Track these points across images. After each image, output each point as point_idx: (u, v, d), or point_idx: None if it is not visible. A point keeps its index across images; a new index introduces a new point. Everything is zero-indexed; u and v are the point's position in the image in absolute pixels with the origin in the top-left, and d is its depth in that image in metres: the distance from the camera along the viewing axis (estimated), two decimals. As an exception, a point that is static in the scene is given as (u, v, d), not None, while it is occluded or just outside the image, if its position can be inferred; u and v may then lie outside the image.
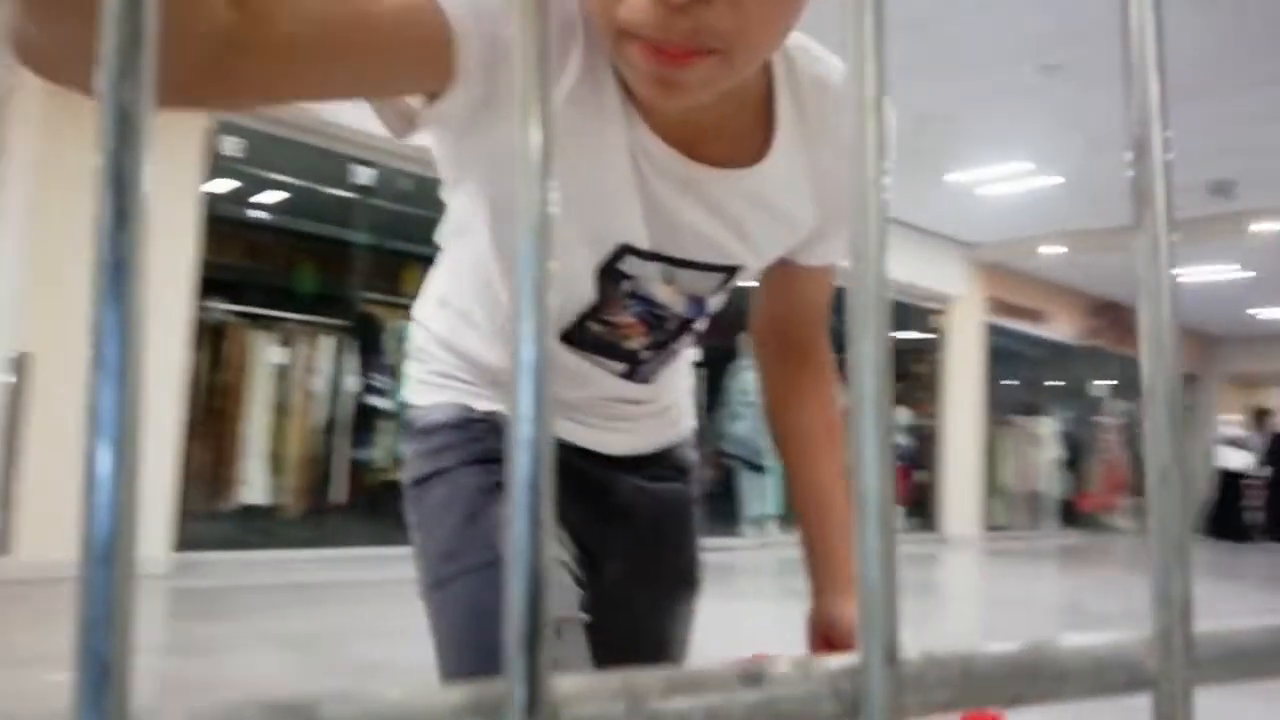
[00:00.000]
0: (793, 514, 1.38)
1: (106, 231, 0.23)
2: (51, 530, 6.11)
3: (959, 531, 13.53)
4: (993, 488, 14.44)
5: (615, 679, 0.27)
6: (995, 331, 14.42)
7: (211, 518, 7.94)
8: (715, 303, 1.29)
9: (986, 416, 14.38)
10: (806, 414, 1.38)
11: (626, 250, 1.16)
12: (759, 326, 1.43)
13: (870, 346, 0.27)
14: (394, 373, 8.31)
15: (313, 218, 10.61)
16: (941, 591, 9.67)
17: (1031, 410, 15.56)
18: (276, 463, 8.15)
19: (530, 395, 0.26)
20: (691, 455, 1.54)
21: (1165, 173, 0.30)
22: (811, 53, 1.13)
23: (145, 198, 0.23)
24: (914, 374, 13.79)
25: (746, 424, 10.71)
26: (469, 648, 1.16)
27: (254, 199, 10.53)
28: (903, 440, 12.96)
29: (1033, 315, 15.02)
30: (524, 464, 0.25)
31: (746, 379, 10.61)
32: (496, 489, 1.26)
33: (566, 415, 1.35)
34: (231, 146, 7.63)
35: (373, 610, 6.01)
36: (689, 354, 1.44)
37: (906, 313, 13.06)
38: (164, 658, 4.61)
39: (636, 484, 1.43)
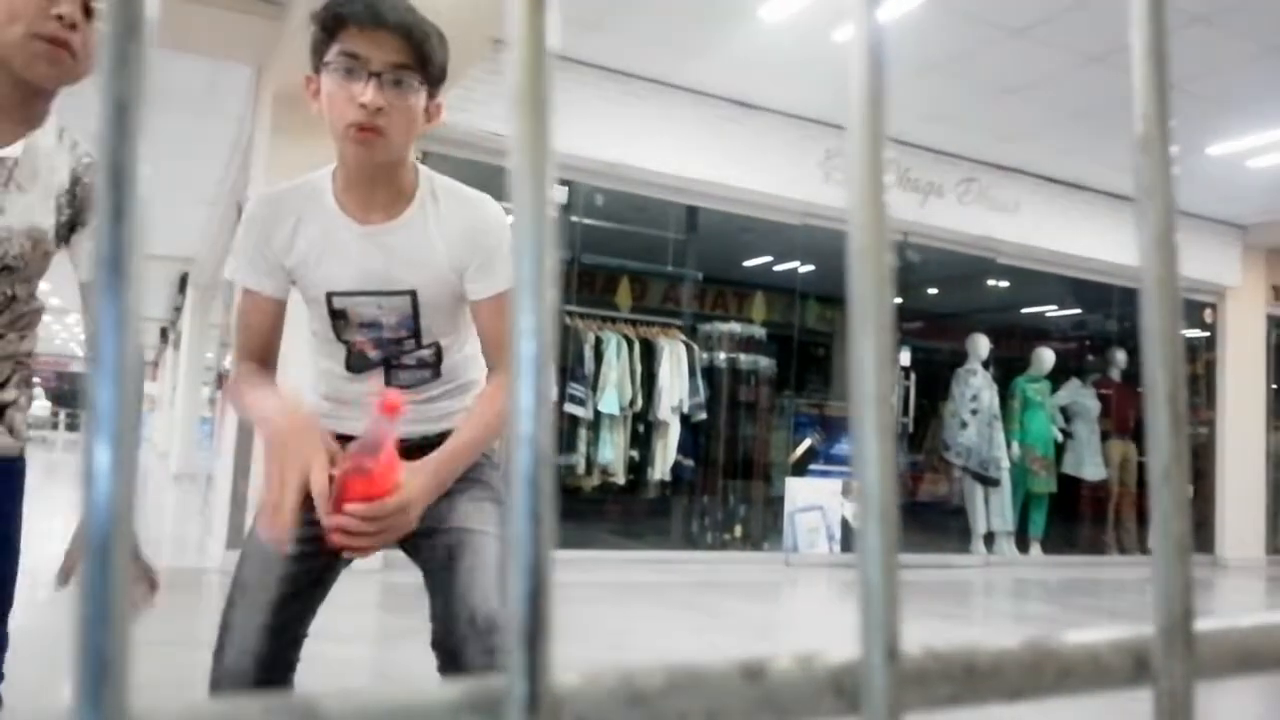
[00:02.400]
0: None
1: (104, 227, 0.23)
2: None
3: (1239, 555, 11.81)
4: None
5: (615, 676, 0.27)
6: (1280, 325, 12.70)
7: None
8: (427, 325, 2.01)
9: (1270, 423, 12.50)
10: (484, 396, 2.00)
11: (332, 294, 1.97)
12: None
13: (870, 346, 0.26)
14: (591, 382, 8.37)
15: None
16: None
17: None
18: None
19: (531, 390, 0.26)
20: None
21: (1170, 166, 0.30)
22: (450, 184, 2.04)
23: (143, 192, 0.23)
24: (1180, 375, 11.85)
25: (974, 432, 10.13)
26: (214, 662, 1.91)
27: None
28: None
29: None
30: (524, 460, 0.25)
31: (975, 384, 10.18)
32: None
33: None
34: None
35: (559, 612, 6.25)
36: (456, 372, 2.10)
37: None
38: (343, 645, 5.05)
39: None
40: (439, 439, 1.96)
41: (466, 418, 1.97)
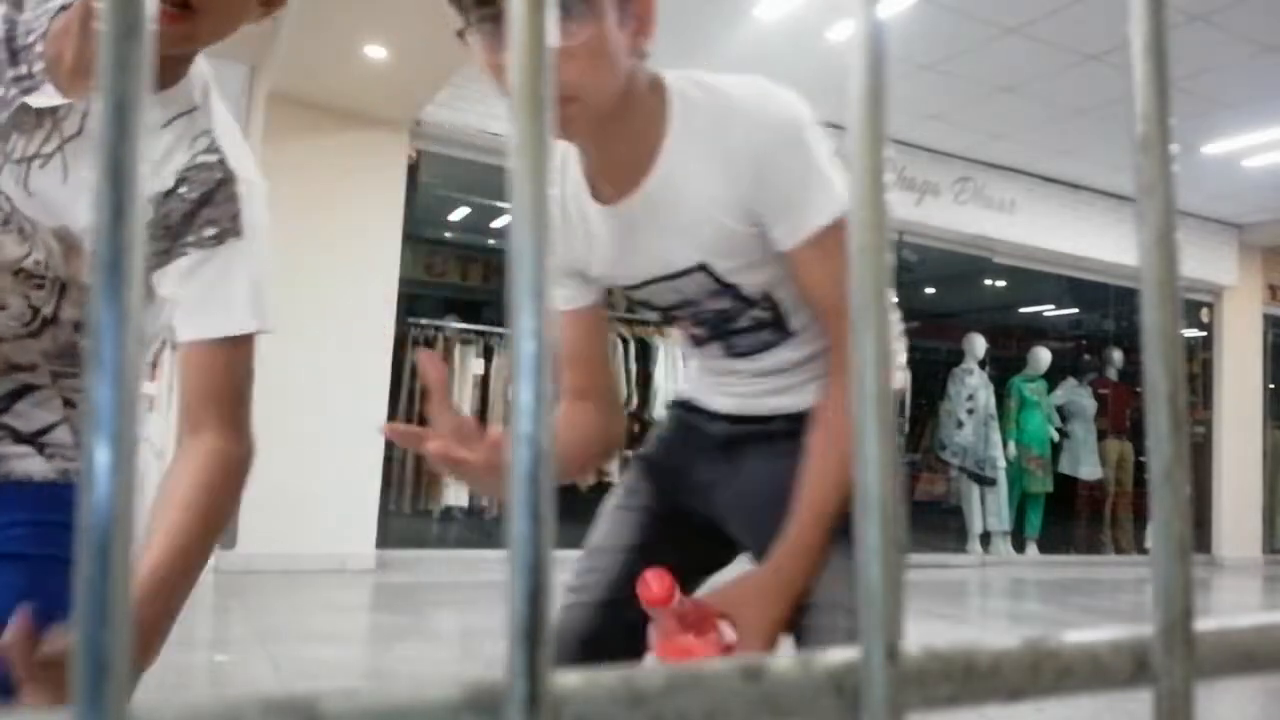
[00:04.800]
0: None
1: (104, 226, 0.23)
2: (269, 526, 6.80)
3: (1235, 554, 11.75)
4: (1276, 505, 12.51)
5: (615, 675, 0.27)
6: (1278, 324, 12.64)
7: (418, 518, 8.51)
8: (750, 288, 1.55)
9: (1268, 423, 12.46)
10: (815, 443, 1.50)
11: (625, 288, 1.62)
12: None
13: (870, 346, 0.26)
14: None
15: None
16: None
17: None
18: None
19: (530, 390, 0.26)
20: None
21: (1170, 166, 0.30)
22: (712, 84, 1.47)
23: (142, 192, 0.23)
24: (1176, 374, 11.50)
25: (970, 431, 10.10)
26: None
27: (451, 218, 11.68)
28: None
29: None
30: (524, 459, 0.25)
31: (972, 383, 10.17)
32: (626, 505, 1.76)
33: (723, 392, 1.72)
34: (426, 172, 8.05)
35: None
36: (802, 343, 1.64)
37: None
38: (338, 645, 5.16)
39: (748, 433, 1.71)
40: (768, 419, 1.66)
41: (807, 464, 1.48)
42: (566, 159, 1.55)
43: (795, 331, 1.61)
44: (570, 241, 1.56)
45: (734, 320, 1.61)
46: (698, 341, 1.69)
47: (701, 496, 1.72)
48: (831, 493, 1.42)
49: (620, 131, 1.43)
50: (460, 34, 1.35)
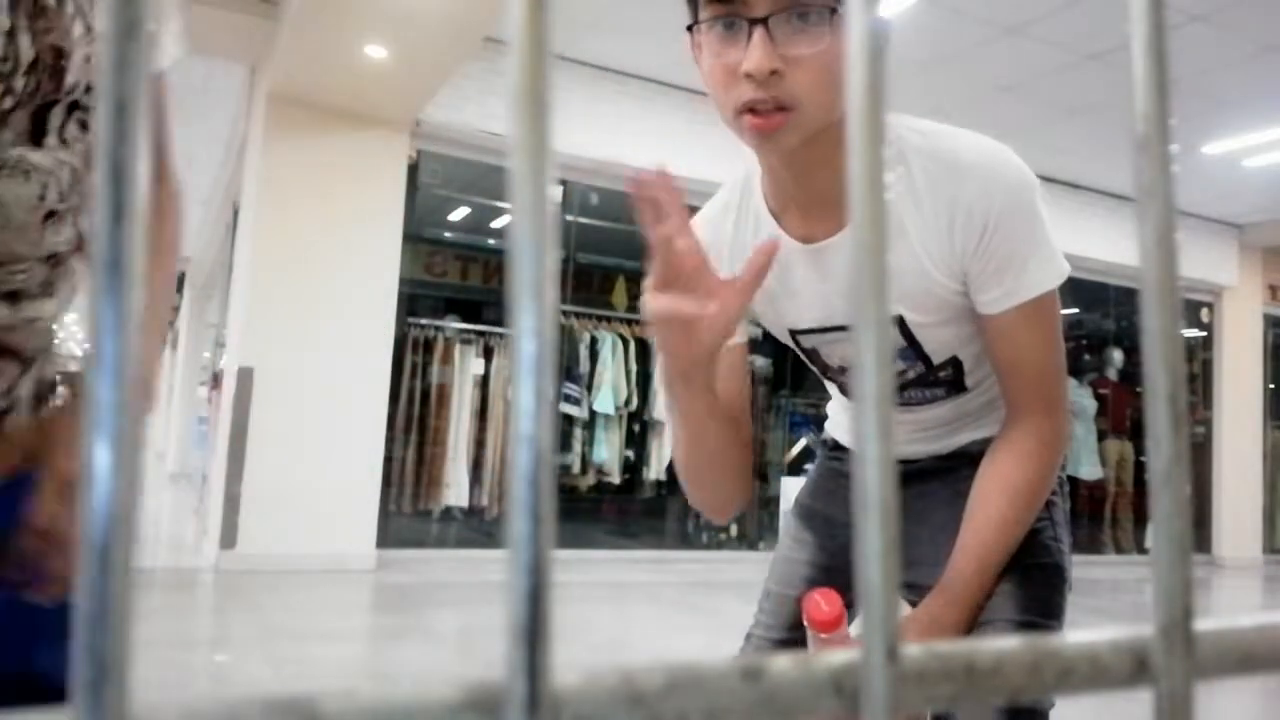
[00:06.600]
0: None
1: (104, 227, 0.23)
2: (270, 526, 6.92)
3: (1235, 555, 11.83)
4: (1276, 505, 12.58)
5: (615, 676, 0.27)
6: (1278, 324, 12.77)
7: (418, 518, 8.52)
8: (934, 348, 1.51)
9: (1268, 423, 12.55)
10: (994, 465, 1.45)
11: (795, 332, 1.58)
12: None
13: (870, 346, 0.26)
14: (586, 382, 8.48)
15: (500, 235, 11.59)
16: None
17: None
18: (477, 468, 8.45)
19: (530, 390, 0.26)
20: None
21: (1170, 166, 0.30)
22: (934, 132, 1.41)
23: (142, 192, 0.23)
24: (1176, 374, 11.36)
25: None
26: None
27: (451, 218, 11.77)
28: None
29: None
30: (524, 460, 0.25)
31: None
32: (793, 558, 1.82)
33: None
34: (426, 172, 8.15)
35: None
36: (975, 397, 1.61)
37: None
38: (338, 645, 5.24)
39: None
40: (950, 458, 1.64)
41: (969, 517, 1.42)
42: (749, 186, 1.55)
43: (970, 388, 1.58)
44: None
45: (910, 383, 1.57)
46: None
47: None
48: (999, 548, 1.39)
49: (827, 162, 1.36)
50: (690, 28, 1.35)
